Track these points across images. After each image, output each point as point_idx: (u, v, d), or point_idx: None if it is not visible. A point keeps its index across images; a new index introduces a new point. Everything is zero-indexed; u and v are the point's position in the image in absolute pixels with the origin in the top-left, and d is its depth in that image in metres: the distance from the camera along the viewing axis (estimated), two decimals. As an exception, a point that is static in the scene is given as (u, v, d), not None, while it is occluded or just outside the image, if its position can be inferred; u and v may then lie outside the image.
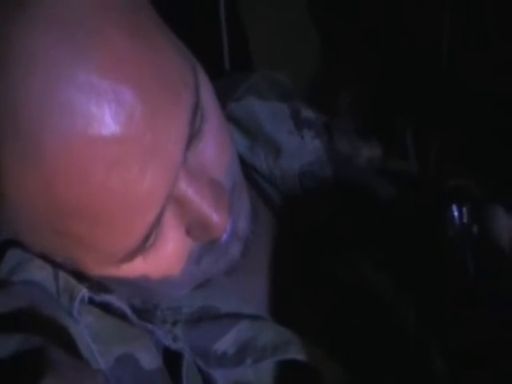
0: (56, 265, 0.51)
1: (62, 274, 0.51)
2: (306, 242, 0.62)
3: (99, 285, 0.51)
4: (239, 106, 0.65)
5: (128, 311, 0.52)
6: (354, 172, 0.65)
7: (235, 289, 0.57)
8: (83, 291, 0.51)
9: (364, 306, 0.58)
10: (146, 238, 0.47)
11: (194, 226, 0.49)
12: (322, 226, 0.63)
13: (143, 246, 0.47)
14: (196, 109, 0.46)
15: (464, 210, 0.53)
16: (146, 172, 0.43)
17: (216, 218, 0.48)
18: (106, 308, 0.52)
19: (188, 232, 0.50)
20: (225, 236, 0.50)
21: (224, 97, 0.58)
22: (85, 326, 0.50)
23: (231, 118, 0.63)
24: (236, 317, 0.56)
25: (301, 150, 0.64)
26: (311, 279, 0.61)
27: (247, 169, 0.63)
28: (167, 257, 0.49)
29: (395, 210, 0.61)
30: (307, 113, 0.67)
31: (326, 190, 0.64)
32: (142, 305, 0.55)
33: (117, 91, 0.42)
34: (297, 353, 0.54)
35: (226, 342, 0.55)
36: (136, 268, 0.49)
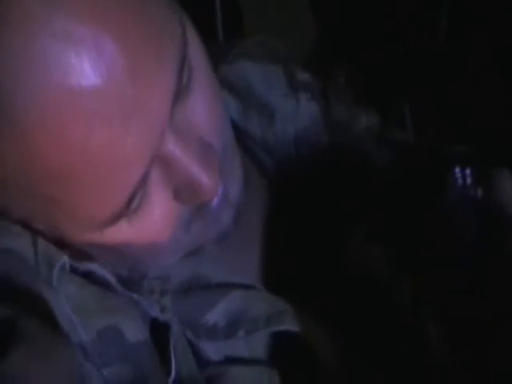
0: (35, 231, 0.48)
1: (40, 241, 0.48)
2: (300, 211, 0.61)
3: (81, 252, 0.48)
4: (231, 70, 0.62)
5: (112, 280, 0.49)
6: (352, 140, 0.63)
7: (226, 258, 0.55)
8: (64, 259, 0.48)
9: (357, 277, 0.57)
10: (131, 199, 0.44)
11: (183, 189, 0.47)
12: (317, 195, 0.61)
13: (127, 208, 0.44)
14: (183, 62, 0.44)
15: (467, 171, 0.51)
16: (129, 128, 0.41)
17: (206, 179, 0.46)
18: (88, 277, 0.49)
19: (176, 195, 0.47)
20: (215, 200, 0.48)
21: (216, 61, 0.55)
22: (65, 297, 0.47)
23: (223, 82, 0.60)
24: (227, 287, 0.54)
25: (296, 113, 0.62)
26: (305, 249, 0.59)
27: (239, 134, 0.61)
28: (154, 221, 0.47)
29: (393, 178, 0.59)
30: (303, 75, 0.64)
31: (320, 156, 0.62)
32: (128, 274, 0.52)
33: (96, 39, 0.39)
34: (291, 324, 0.52)
35: (216, 313, 0.53)
36: (121, 233, 0.46)
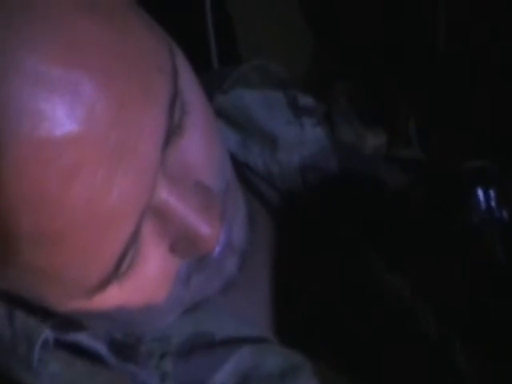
0: (11, 302, 0.43)
1: (18, 314, 0.44)
2: (311, 247, 0.56)
3: (68, 320, 0.44)
4: (227, 99, 0.58)
5: (103, 351, 0.45)
6: (361, 162, 0.58)
7: (231, 308, 0.51)
8: (45, 333, 0.43)
9: (380, 312, 0.53)
10: (120, 261, 0.39)
11: (180, 241, 0.42)
12: (328, 227, 0.57)
13: (117, 271, 0.40)
14: (174, 98, 0.39)
15: (491, 192, 0.49)
16: (113, 180, 0.36)
17: (205, 229, 0.41)
18: (76, 350, 0.45)
19: (173, 249, 0.43)
20: (217, 249, 0.44)
21: (210, 90, 0.52)
22: (49, 379, 0.43)
23: (219, 112, 0.56)
24: (234, 342, 0.49)
25: (301, 140, 0.58)
26: (320, 290, 0.55)
27: (240, 167, 0.56)
28: (149, 281, 0.42)
29: (408, 201, 0.55)
30: (306, 100, 0.60)
31: (331, 184, 0.57)
32: (123, 338, 0.48)
33: (72, 80, 0.35)
34: (308, 381, 0.48)
35: (224, 374, 0.48)
36: (111, 298, 0.42)
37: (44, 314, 0.43)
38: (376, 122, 0.62)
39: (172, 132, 0.39)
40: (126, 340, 0.47)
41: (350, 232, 0.56)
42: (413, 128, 0.64)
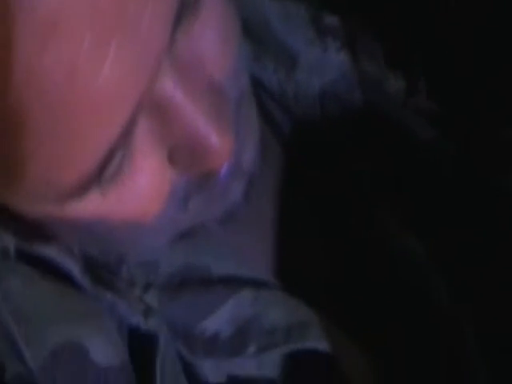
0: None
1: None
2: (324, 186, 0.50)
3: (35, 229, 0.37)
4: (245, 2, 0.51)
5: (76, 270, 0.39)
6: (388, 102, 0.52)
7: (233, 243, 0.46)
8: (5, 240, 0.37)
9: (389, 276, 0.48)
10: (105, 163, 0.32)
11: (182, 151, 0.36)
12: (345, 167, 0.51)
13: (100, 176, 0.32)
14: None
15: None
16: (105, 53, 0.28)
17: (215, 139, 0.35)
18: (42, 266, 0.38)
19: (172, 159, 0.36)
20: (225, 168, 0.38)
21: None
22: (4, 296, 0.36)
23: None
24: (234, 282, 0.44)
25: (323, 63, 0.51)
26: (330, 234, 0.49)
27: (251, 84, 0.49)
28: (138, 194, 0.35)
29: (437, 158, 0.51)
30: (331, 19, 0.53)
31: (353, 118, 0.51)
32: (101, 256, 0.41)
33: None
34: (317, 339, 0.43)
35: (218, 320, 0.43)
36: (90, 208, 0.34)
37: (6, 218, 0.36)
38: (395, 65, 0.55)
39: (184, 10, 0.32)
40: (105, 259, 0.41)
41: (366, 176, 0.51)
42: (421, 76, 0.57)
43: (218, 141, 0.35)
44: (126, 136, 0.32)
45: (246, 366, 0.42)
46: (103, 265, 0.41)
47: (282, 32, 0.52)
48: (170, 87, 0.33)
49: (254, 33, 0.51)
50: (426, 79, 0.54)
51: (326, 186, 0.50)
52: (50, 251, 0.38)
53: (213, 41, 0.36)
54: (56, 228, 0.37)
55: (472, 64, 0.52)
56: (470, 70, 0.52)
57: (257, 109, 0.48)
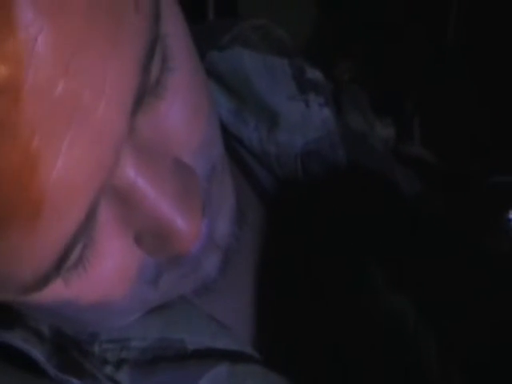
0: None
1: None
2: (309, 248, 0.49)
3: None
4: (223, 57, 0.50)
5: (41, 357, 0.37)
6: (372, 156, 0.51)
7: (208, 313, 0.44)
8: None
9: (377, 337, 0.46)
10: (66, 253, 0.30)
11: (148, 234, 0.34)
12: (330, 227, 0.49)
13: (60, 266, 0.31)
14: (153, 47, 0.31)
15: None
16: (58, 146, 0.27)
17: (183, 223, 0.34)
18: (6, 353, 0.36)
19: (138, 241, 0.34)
20: (196, 246, 0.36)
21: (203, 45, 0.44)
22: None
23: (211, 73, 0.50)
24: (209, 356, 0.42)
25: (305, 120, 0.50)
26: (314, 300, 0.47)
27: (230, 142, 0.49)
28: (103, 278, 0.34)
29: (423, 211, 0.50)
30: (314, 74, 0.52)
31: (336, 177, 0.50)
32: (74, 335, 0.40)
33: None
34: None
35: None
36: (53, 295, 0.33)
37: None
38: (383, 112, 0.55)
39: (147, 91, 0.31)
40: (77, 338, 0.40)
41: (352, 238, 0.49)
42: (417, 122, 0.56)
43: (184, 224, 0.34)
44: (86, 226, 0.30)
45: None
46: (75, 344, 0.40)
47: (264, 87, 0.50)
48: (131, 173, 0.32)
49: (234, 87, 0.50)
50: (420, 124, 0.55)
51: (311, 248, 0.49)
52: (14, 338, 0.37)
53: (179, 119, 0.34)
54: (23, 310, 0.36)
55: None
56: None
57: (235, 165, 0.48)
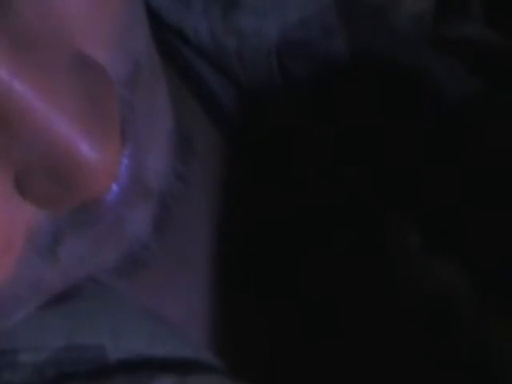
0: None
1: None
2: (289, 199, 0.42)
3: None
4: None
5: None
6: (392, 44, 0.42)
7: (140, 304, 0.38)
8: None
9: (413, 324, 0.39)
10: None
11: (37, 173, 0.27)
12: (324, 167, 0.42)
13: None
14: None
15: None
16: None
17: (89, 151, 0.26)
18: None
19: (22, 187, 0.28)
20: (114, 191, 0.29)
21: None
22: None
23: None
24: (142, 369, 0.36)
25: None
26: (294, 276, 0.41)
27: (165, 34, 0.43)
28: None
29: (475, 125, 0.40)
30: None
31: (333, 80, 0.41)
32: None
33: None
34: None
35: None
36: None
37: None
38: None
39: None
40: None
41: (361, 180, 0.42)
42: None
43: (93, 153, 0.26)
44: None
45: None
46: None
47: None
48: (4, 74, 0.25)
49: None
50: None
51: (293, 200, 0.42)
52: None
53: None
54: None
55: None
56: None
57: (177, 74, 0.43)
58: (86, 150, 0.26)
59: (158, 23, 0.42)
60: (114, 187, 0.29)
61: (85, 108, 0.27)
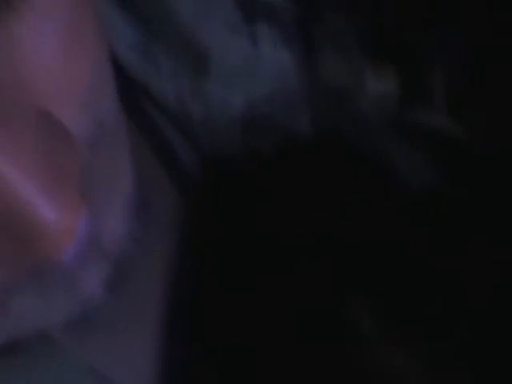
0: None
1: None
2: (247, 264, 0.41)
3: None
4: None
5: None
6: (356, 126, 0.43)
7: (91, 359, 0.37)
8: None
9: None
10: None
11: None
12: (285, 245, 0.41)
13: None
14: None
15: None
16: None
17: (47, 211, 0.26)
18: None
19: None
20: (71, 248, 0.28)
21: None
22: None
23: None
24: None
25: (251, 65, 0.43)
26: (252, 346, 0.40)
27: (132, 92, 0.43)
28: None
29: (437, 213, 0.42)
30: None
31: (298, 160, 0.42)
32: None
33: None
34: None
35: None
36: None
37: None
38: (383, 55, 0.47)
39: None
40: None
41: (321, 257, 0.41)
42: (440, 77, 0.49)
43: (52, 213, 0.27)
44: None
45: None
46: None
47: (187, 11, 0.43)
48: None
49: (143, 12, 0.43)
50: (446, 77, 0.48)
51: (254, 265, 0.41)
52: None
53: (48, 51, 0.28)
54: None
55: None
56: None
57: (141, 130, 0.42)
58: (45, 210, 0.26)
59: (124, 78, 0.42)
60: (71, 247, 0.29)
61: (45, 167, 0.27)
